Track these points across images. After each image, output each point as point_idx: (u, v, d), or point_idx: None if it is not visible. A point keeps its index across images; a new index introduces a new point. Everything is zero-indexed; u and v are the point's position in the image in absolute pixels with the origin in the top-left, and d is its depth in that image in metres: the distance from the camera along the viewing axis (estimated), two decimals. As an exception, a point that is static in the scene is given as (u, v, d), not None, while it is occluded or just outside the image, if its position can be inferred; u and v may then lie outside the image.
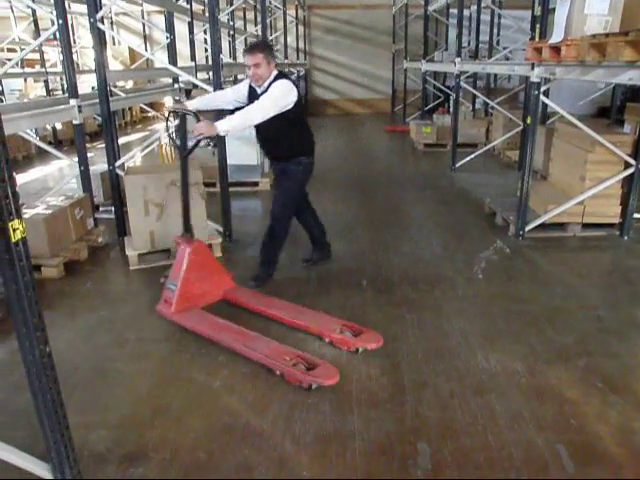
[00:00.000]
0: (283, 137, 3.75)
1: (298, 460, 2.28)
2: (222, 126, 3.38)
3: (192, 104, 3.78)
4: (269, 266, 4.06)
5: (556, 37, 4.03)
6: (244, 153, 6.80)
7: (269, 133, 3.73)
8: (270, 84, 3.60)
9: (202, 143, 3.66)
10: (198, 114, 3.48)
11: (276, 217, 3.94)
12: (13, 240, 1.67)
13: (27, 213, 4.17)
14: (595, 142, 4.69)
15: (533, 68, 4.64)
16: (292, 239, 4.26)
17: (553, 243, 4.90)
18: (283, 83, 3.60)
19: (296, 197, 4.02)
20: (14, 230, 1.67)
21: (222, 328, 3.24)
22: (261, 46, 3.69)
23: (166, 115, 3.69)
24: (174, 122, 3.85)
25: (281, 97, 3.55)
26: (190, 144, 3.59)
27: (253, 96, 3.72)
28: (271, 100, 3.50)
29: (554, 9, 4.19)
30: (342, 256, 4.62)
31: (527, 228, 4.96)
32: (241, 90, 3.87)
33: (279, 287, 3.98)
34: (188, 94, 7.53)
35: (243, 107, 3.66)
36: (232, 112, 3.65)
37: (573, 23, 3.83)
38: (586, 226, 4.99)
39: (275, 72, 3.66)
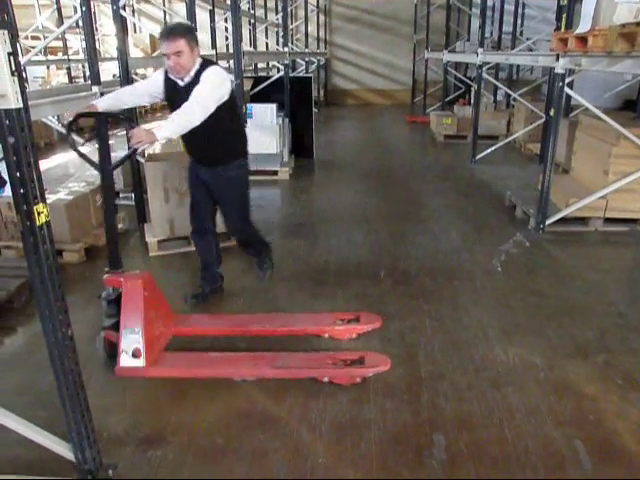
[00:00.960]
0: (219, 135, 3.13)
1: (314, 447, 2.29)
2: (162, 132, 2.74)
3: (103, 103, 3.07)
4: (265, 250, 3.86)
5: (583, 27, 3.95)
6: (264, 142, 6.82)
7: (201, 132, 2.94)
8: (197, 74, 3.02)
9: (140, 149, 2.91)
10: (127, 117, 2.98)
11: (242, 231, 3.60)
12: (38, 223, 1.69)
13: (49, 199, 4.22)
14: (620, 135, 4.61)
15: (558, 59, 4.56)
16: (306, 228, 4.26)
17: (574, 237, 4.83)
18: (216, 70, 3.06)
19: (248, 201, 3.51)
20: (39, 213, 1.69)
21: (230, 360, 2.86)
22: (181, 30, 2.99)
23: (67, 123, 2.92)
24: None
25: (218, 86, 3.02)
26: (116, 155, 3.07)
27: (173, 90, 3.13)
28: (208, 91, 2.93)
29: (581, -1, 4.10)
30: (360, 247, 4.62)
31: (548, 222, 4.90)
32: (156, 82, 3.25)
33: (294, 278, 3.99)
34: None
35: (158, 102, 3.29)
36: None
37: (602, 12, 3.75)
38: (608, 221, 4.91)
39: (199, 60, 3.08)
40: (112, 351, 2.79)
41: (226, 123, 3.14)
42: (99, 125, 2.82)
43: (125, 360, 2.69)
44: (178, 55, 2.94)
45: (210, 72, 3.01)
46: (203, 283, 3.63)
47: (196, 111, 2.85)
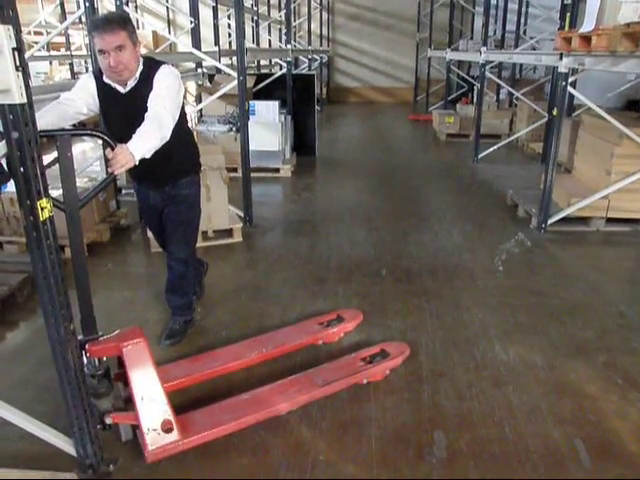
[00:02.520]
0: (170, 150, 2.47)
1: (314, 444, 2.30)
2: (139, 151, 2.19)
3: (42, 121, 2.15)
4: (188, 313, 3.18)
5: (587, 26, 3.94)
6: (266, 139, 6.82)
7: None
8: (145, 76, 2.52)
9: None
10: (106, 137, 2.20)
11: (187, 261, 3.01)
12: (41, 219, 1.70)
13: (52, 194, 4.22)
14: (623, 135, 4.60)
15: (561, 58, 4.55)
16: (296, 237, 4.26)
17: (575, 237, 4.83)
18: (171, 70, 2.58)
19: (197, 227, 3.06)
20: (42, 209, 1.70)
21: (267, 396, 2.48)
22: (121, 20, 2.41)
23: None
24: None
25: (179, 90, 2.56)
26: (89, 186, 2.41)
27: (114, 99, 2.56)
28: (172, 96, 2.48)
29: (585, -2, 4.09)
30: (362, 245, 4.62)
31: (549, 221, 4.89)
32: (86, 90, 2.57)
33: (295, 276, 3.99)
34: (211, 79, 7.56)
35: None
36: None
37: (606, 11, 3.74)
38: (610, 221, 4.91)
39: (141, 59, 2.55)
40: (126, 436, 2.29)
41: (177, 134, 2.50)
42: (61, 148, 2.06)
43: (156, 439, 2.15)
44: (119, 50, 2.38)
45: (164, 74, 2.51)
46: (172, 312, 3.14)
47: (167, 122, 2.37)
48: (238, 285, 3.81)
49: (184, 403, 2.45)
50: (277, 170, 6.99)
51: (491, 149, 7.97)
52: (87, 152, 8.72)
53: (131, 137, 2.21)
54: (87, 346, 2.14)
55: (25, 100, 1.58)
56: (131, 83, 2.53)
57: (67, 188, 2.12)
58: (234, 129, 6.74)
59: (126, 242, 4.69)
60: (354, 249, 4.50)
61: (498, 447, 2.28)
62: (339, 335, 3.10)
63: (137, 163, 2.18)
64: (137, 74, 2.52)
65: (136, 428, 2.21)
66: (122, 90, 2.54)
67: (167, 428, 2.17)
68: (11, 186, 1.73)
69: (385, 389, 2.66)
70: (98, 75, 2.55)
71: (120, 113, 2.51)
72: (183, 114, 2.69)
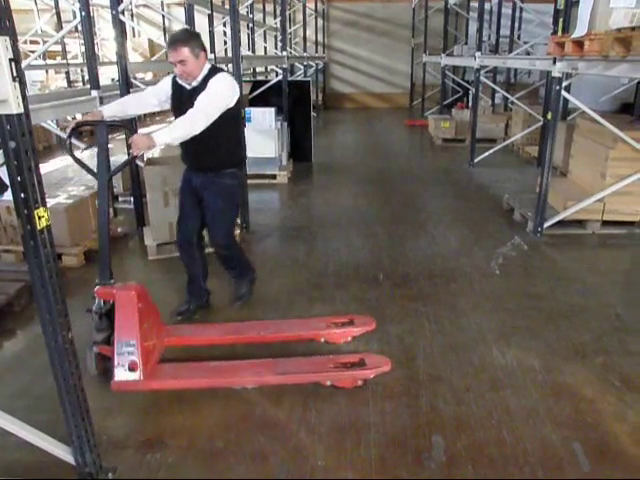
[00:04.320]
0: (217, 142, 3.06)
1: (313, 450, 2.30)
2: (162, 137, 2.73)
3: (108, 111, 3.08)
4: (248, 274, 3.61)
5: (579, 31, 3.98)
6: (262, 146, 6.83)
7: (202, 135, 2.88)
8: (205, 79, 2.99)
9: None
10: (127, 125, 2.94)
11: (227, 246, 3.37)
12: (38, 228, 1.71)
13: (49, 202, 4.21)
14: (617, 139, 4.64)
15: (555, 63, 4.59)
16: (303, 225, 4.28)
17: (572, 240, 4.85)
18: (225, 77, 3.03)
19: (236, 219, 3.44)
20: (39, 218, 1.71)
21: (231, 369, 2.78)
22: (184, 38, 2.96)
23: (68, 131, 2.91)
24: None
25: (224, 94, 2.98)
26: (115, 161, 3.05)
27: (181, 95, 3.10)
28: (214, 98, 2.91)
29: (578, 2, 4.13)
30: (359, 250, 4.63)
31: (545, 225, 4.91)
32: (164, 87, 3.24)
33: (292, 282, 4.00)
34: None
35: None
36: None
37: (598, 16, 3.78)
38: (606, 224, 4.93)
39: (208, 65, 3.06)
40: (103, 366, 2.68)
41: (224, 130, 3.04)
42: (99, 133, 2.78)
43: (121, 374, 2.56)
44: (182, 64, 2.92)
45: (218, 79, 2.97)
46: (189, 298, 3.49)
47: (199, 119, 2.82)
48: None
49: (175, 357, 2.87)
50: (274, 177, 7.01)
51: (487, 153, 8.00)
52: (84, 160, 8.74)
53: None
54: (96, 288, 2.67)
55: (22, 110, 1.59)
56: (194, 84, 3.03)
57: (100, 162, 2.76)
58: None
59: (123, 250, 4.69)
60: (351, 254, 4.51)
61: (496, 451, 2.28)
62: (345, 337, 3.10)
63: (159, 146, 2.79)
64: (200, 78, 3.01)
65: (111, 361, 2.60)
66: (187, 88, 3.06)
67: (132, 368, 2.55)
68: (8, 195, 1.74)
69: (383, 394, 2.66)
70: (175, 76, 3.13)
71: (184, 105, 2.96)
72: (232, 115, 3.07)
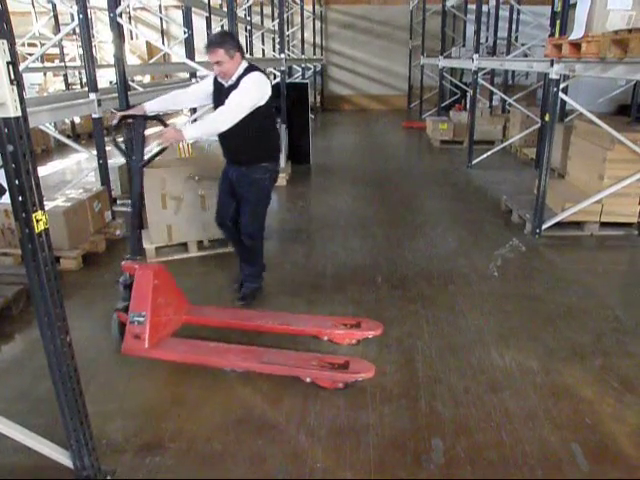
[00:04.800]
0: (250, 137, 3.26)
1: (312, 452, 2.30)
2: (190, 132, 3.04)
3: (149, 106, 3.36)
4: (257, 280, 3.76)
5: (577, 33, 3.99)
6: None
7: (235, 132, 3.11)
8: (240, 78, 3.18)
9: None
10: (163, 119, 3.21)
11: (252, 236, 3.55)
12: (36, 231, 1.70)
13: (46, 206, 4.21)
14: (615, 140, 4.65)
15: (552, 65, 4.60)
16: (312, 233, 4.28)
17: (570, 242, 4.86)
18: (255, 76, 3.17)
19: (266, 210, 3.58)
20: (37, 221, 1.71)
21: (223, 351, 2.94)
22: (219, 41, 3.18)
23: (115, 122, 3.21)
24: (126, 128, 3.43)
25: (254, 93, 3.14)
26: (148, 152, 3.27)
27: (220, 91, 3.32)
28: (243, 97, 3.09)
29: (575, 5, 4.14)
30: (357, 252, 4.63)
31: (544, 226, 4.92)
32: (206, 84, 3.48)
33: (291, 284, 4.00)
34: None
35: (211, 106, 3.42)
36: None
37: (595, 18, 3.79)
38: (604, 225, 4.94)
39: (244, 64, 3.25)
40: (123, 331, 2.96)
41: (255, 127, 3.22)
42: (137, 125, 3.09)
43: (130, 341, 2.89)
44: (219, 64, 3.16)
45: (248, 79, 3.14)
46: (243, 278, 3.76)
47: (226, 117, 3.04)
48: (234, 294, 3.80)
49: (193, 333, 3.12)
50: (272, 179, 6.99)
51: (485, 155, 8.02)
52: (82, 163, 8.74)
53: None
54: (123, 262, 3.01)
55: (20, 113, 1.59)
56: (230, 82, 3.24)
57: (136, 150, 3.08)
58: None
59: (122, 252, 4.66)
60: (349, 256, 4.51)
61: (495, 452, 2.28)
62: (349, 339, 3.11)
63: (188, 141, 3.26)
64: (235, 77, 3.22)
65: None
66: (226, 85, 3.27)
67: (140, 336, 2.85)
68: (6, 198, 1.74)
69: (382, 396, 2.66)
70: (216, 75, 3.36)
71: (221, 102, 3.17)
72: (263, 113, 3.23)
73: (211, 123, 3.11)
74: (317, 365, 2.76)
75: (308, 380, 2.73)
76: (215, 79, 3.39)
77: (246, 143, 3.30)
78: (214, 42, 3.17)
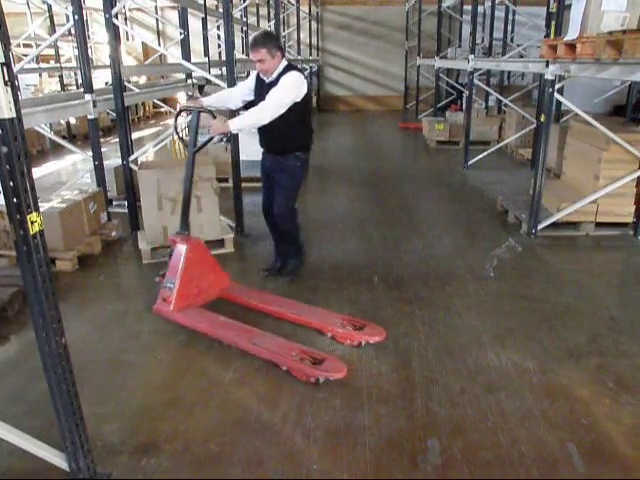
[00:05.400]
0: (285, 130, 3.60)
1: (308, 454, 2.29)
2: (235, 124, 3.43)
3: (206, 101, 3.74)
4: (297, 256, 4.12)
5: (571, 34, 4.00)
6: (257, 149, 6.79)
7: (272, 124, 3.46)
8: (279, 75, 3.51)
9: (215, 139, 3.76)
10: (213, 112, 3.49)
11: (284, 217, 3.88)
12: (31, 233, 1.70)
13: (42, 207, 4.21)
14: (610, 141, 4.66)
15: (547, 65, 4.61)
16: (312, 233, 4.28)
17: (565, 242, 4.87)
18: (293, 76, 3.49)
19: (296, 193, 3.89)
20: (32, 223, 1.70)
21: (225, 326, 3.20)
22: (262, 41, 3.51)
23: (176, 112, 3.67)
24: (186, 118, 3.84)
25: (291, 91, 3.47)
26: (201, 140, 3.58)
27: (261, 86, 3.65)
28: (282, 95, 3.42)
29: (570, 6, 4.16)
30: (353, 252, 4.63)
31: (539, 226, 4.93)
32: (249, 82, 3.81)
33: (291, 284, 3.99)
34: (201, 90, 7.57)
35: (254, 101, 3.67)
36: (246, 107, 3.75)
37: (589, 20, 3.80)
38: (599, 225, 4.96)
39: (284, 63, 3.57)
40: None
41: (290, 120, 3.51)
42: (193, 117, 3.49)
43: (160, 303, 3.37)
44: (261, 62, 3.49)
45: (287, 78, 3.47)
46: (276, 258, 4.16)
47: (267, 112, 3.40)
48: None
49: (222, 307, 3.46)
50: (268, 179, 6.99)
51: (481, 156, 8.03)
52: (78, 164, 8.72)
53: None
54: (170, 235, 3.54)
55: (14, 114, 1.58)
56: (270, 78, 3.57)
57: (190, 139, 3.50)
58: (224, 139, 6.75)
59: (118, 254, 4.67)
60: (346, 257, 4.51)
61: (492, 453, 2.29)
62: (350, 340, 3.13)
63: (233, 132, 3.65)
64: (275, 74, 3.54)
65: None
66: (267, 80, 3.60)
67: (167, 300, 3.32)
68: (0, 199, 1.73)
69: (379, 397, 2.66)
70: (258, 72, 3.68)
71: (262, 96, 3.52)
72: (298, 108, 3.52)
73: (253, 116, 3.44)
74: (296, 356, 2.84)
75: (284, 369, 2.83)
76: (257, 75, 3.71)
77: (281, 134, 3.61)
78: (258, 42, 3.48)
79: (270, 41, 3.51)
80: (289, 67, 3.57)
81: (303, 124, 3.74)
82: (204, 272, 3.49)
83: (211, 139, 3.59)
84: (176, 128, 3.69)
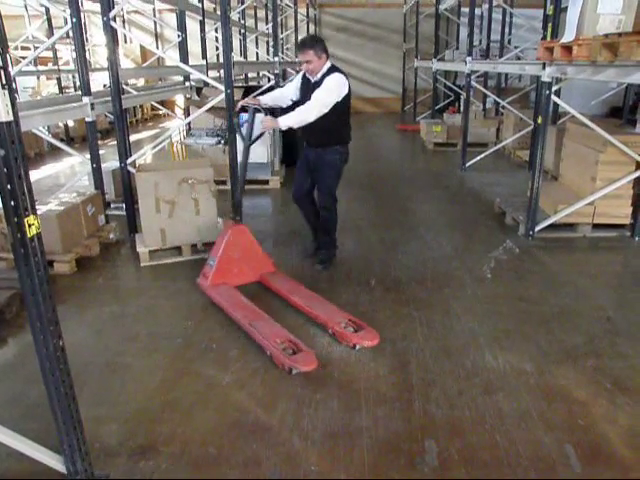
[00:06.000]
0: (327, 126, 3.89)
1: (306, 456, 2.30)
2: (284, 121, 3.75)
3: (262, 99, 4.10)
4: (331, 248, 4.38)
5: (568, 36, 4.02)
6: (254, 151, 6.77)
7: (315, 121, 3.79)
8: (324, 76, 3.83)
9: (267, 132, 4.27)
10: (266, 110, 3.92)
11: (326, 207, 4.20)
12: (28, 235, 1.70)
13: (40, 209, 4.21)
14: (606, 142, 4.67)
15: (544, 68, 4.63)
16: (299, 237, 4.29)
17: (563, 244, 4.88)
18: (335, 77, 3.81)
19: (337, 184, 4.20)
20: (29, 226, 1.70)
21: (240, 306, 3.45)
22: (311, 43, 3.85)
23: (237, 109, 4.12)
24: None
25: (334, 92, 3.79)
26: (254, 135, 3.89)
27: (306, 85, 3.99)
28: (326, 96, 3.76)
29: (566, 8, 4.17)
30: (351, 255, 4.64)
31: (537, 228, 4.94)
32: (296, 82, 4.16)
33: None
34: (199, 92, 7.59)
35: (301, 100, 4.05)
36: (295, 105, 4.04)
37: (585, 22, 3.81)
38: (596, 227, 4.97)
39: (328, 64, 3.91)
40: None
41: (331, 117, 3.83)
42: (249, 113, 3.86)
43: (202, 277, 3.83)
44: (308, 63, 3.83)
45: (330, 79, 3.80)
46: (319, 246, 4.43)
47: (312, 111, 3.74)
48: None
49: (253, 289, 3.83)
50: (266, 182, 7.01)
51: (478, 157, 8.05)
52: (76, 167, 8.72)
53: None
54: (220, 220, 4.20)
55: (11, 118, 1.59)
56: (316, 78, 3.92)
57: (246, 132, 3.84)
58: (222, 142, 6.76)
59: (115, 256, 4.67)
60: (343, 259, 4.51)
61: (489, 454, 2.29)
62: (346, 340, 3.15)
63: (282, 128, 3.83)
64: (320, 75, 3.88)
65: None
66: (312, 80, 3.96)
67: (205, 275, 3.80)
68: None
69: (376, 398, 2.67)
70: (304, 72, 4.03)
71: (307, 95, 3.90)
72: (339, 106, 3.86)
73: (300, 115, 3.76)
74: (280, 344, 2.98)
75: (268, 353, 2.99)
76: (303, 75, 4.06)
77: (323, 130, 3.91)
78: (307, 44, 3.84)
79: (317, 44, 3.85)
80: (332, 69, 3.90)
81: (343, 121, 4.04)
82: (245, 256, 3.84)
83: (262, 134, 3.94)
84: (235, 124, 4.05)
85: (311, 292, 3.69)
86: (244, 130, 3.86)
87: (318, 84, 3.83)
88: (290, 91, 4.21)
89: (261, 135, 3.94)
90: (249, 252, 3.87)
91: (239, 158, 4.04)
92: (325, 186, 4.16)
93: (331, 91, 3.77)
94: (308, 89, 3.92)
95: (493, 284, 4.03)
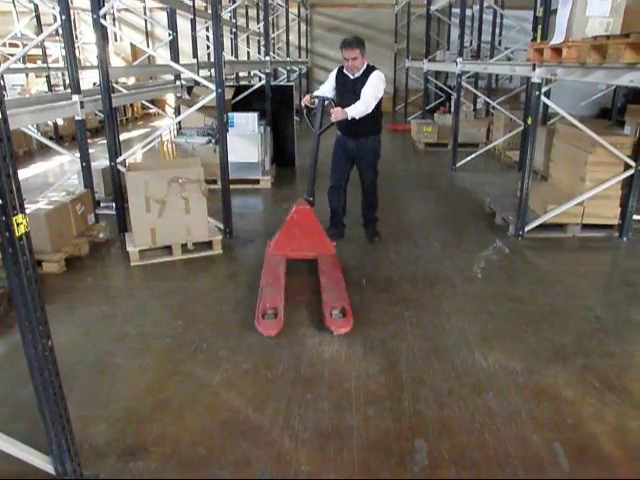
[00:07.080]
0: (368, 118, 4.32)
1: (296, 455, 2.30)
2: (351, 112, 4.14)
3: (321, 93, 4.54)
4: (375, 220, 5.04)
5: (557, 38, 4.04)
6: (245, 151, 6.81)
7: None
8: (364, 72, 4.34)
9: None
10: (333, 101, 4.35)
11: (373, 184, 4.83)
12: (17, 234, 1.69)
13: (28, 208, 4.17)
14: (595, 143, 4.71)
15: (534, 69, 4.65)
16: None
17: (552, 243, 4.91)
18: (379, 73, 4.35)
19: (377, 164, 4.76)
20: (18, 224, 1.69)
21: (272, 274, 3.84)
22: (357, 43, 4.29)
23: (304, 103, 4.48)
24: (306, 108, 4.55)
25: (382, 86, 4.36)
26: (323, 125, 4.27)
27: (345, 82, 4.45)
28: (377, 89, 4.30)
29: (556, 10, 4.20)
30: (342, 254, 4.63)
31: (527, 228, 4.97)
32: (331, 80, 4.57)
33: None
34: (190, 91, 7.56)
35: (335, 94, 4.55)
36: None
37: (574, 24, 3.85)
38: (585, 227, 5.01)
39: (366, 62, 4.39)
40: None
41: (373, 110, 4.32)
42: (318, 104, 4.37)
43: (268, 244, 4.28)
44: (354, 60, 4.29)
45: (375, 76, 4.33)
46: (330, 227, 4.93)
47: (370, 103, 4.25)
48: (219, 297, 3.80)
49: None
50: (257, 182, 7.00)
51: (469, 158, 8.08)
52: (65, 165, 8.66)
53: (348, 103, 4.21)
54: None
55: (-1, 115, 1.57)
56: (356, 75, 4.40)
57: (316, 123, 4.36)
58: (213, 141, 6.74)
59: (105, 256, 4.65)
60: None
61: (479, 453, 2.30)
62: (334, 327, 3.28)
63: (349, 118, 4.15)
64: (360, 72, 4.37)
65: None
66: (351, 77, 4.43)
67: (269, 244, 4.28)
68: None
69: (366, 398, 2.67)
70: (340, 68, 4.54)
71: (346, 90, 4.44)
72: (380, 101, 4.41)
73: (362, 106, 4.20)
74: (267, 309, 3.38)
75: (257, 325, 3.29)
76: (338, 72, 4.53)
77: (365, 121, 4.33)
78: (354, 43, 4.28)
79: (362, 44, 4.32)
80: (371, 66, 4.41)
81: (380, 113, 4.57)
82: (306, 234, 4.20)
83: (332, 124, 4.30)
84: (307, 114, 4.55)
85: (341, 276, 3.88)
86: (315, 120, 4.30)
87: (360, 80, 4.32)
88: (329, 87, 4.59)
89: (331, 125, 4.31)
90: (310, 231, 4.21)
91: (311, 147, 4.49)
92: (371, 168, 4.72)
93: (380, 87, 4.32)
94: (347, 86, 4.39)
95: (483, 284, 4.05)
